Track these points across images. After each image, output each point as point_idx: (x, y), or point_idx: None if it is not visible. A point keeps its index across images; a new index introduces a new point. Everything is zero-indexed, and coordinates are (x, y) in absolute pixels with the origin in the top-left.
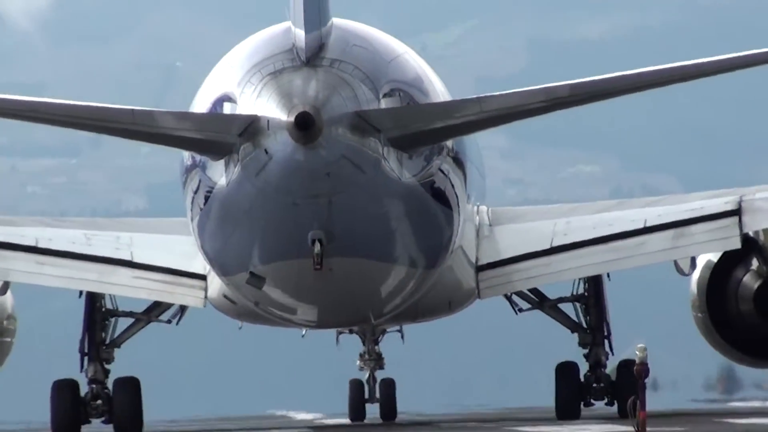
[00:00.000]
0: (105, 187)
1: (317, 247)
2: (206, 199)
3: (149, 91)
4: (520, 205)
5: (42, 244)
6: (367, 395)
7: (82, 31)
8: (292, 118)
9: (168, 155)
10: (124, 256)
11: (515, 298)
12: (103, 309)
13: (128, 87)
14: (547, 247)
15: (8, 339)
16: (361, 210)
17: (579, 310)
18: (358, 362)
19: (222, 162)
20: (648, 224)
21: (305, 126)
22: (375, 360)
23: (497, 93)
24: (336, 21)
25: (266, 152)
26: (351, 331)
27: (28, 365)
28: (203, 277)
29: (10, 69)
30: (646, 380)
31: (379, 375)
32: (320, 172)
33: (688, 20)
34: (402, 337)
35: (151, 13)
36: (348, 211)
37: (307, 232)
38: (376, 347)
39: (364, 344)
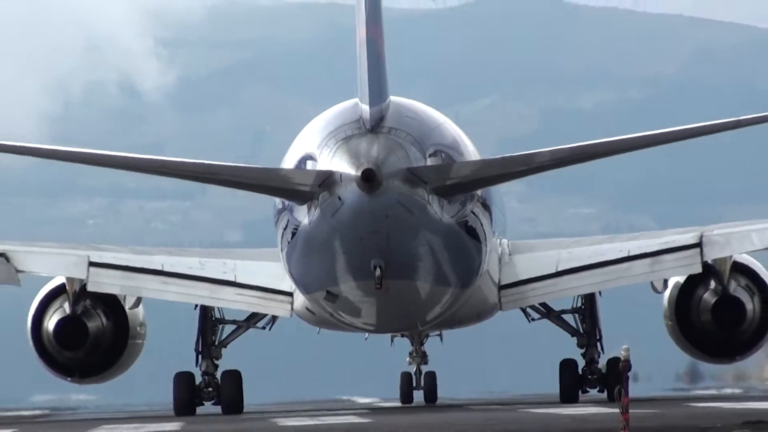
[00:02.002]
0: (210, 223)
1: (378, 272)
2: (293, 234)
3: (244, 149)
4: (533, 239)
5: (166, 269)
6: (414, 384)
7: (195, 102)
8: (359, 173)
9: (260, 199)
10: (229, 277)
11: (528, 310)
12: (213, 318)
13: (228, 146)
14: (554, 271)
15: (140, 341)
16: (411, 243)
17: (577, 319)
18: (407, 359)
19: (305, 206)
20: (630, 254)
21: (369, 179)
22: (421, 357)
23: (516, 153)
24: (393, 98)
25: (339, 199)
26: (402, 335)
27: (155, 361)
28: (290, 294)
29: (138, 132)
30: (629, 373)
31: (424, 369)
32: (380, 215)
33: (658, 94)
34: (441, 339)
35: (247, 88)
36: (401, 244)
37: (370, 260)
38: (422, 347)
39: (412, 345)
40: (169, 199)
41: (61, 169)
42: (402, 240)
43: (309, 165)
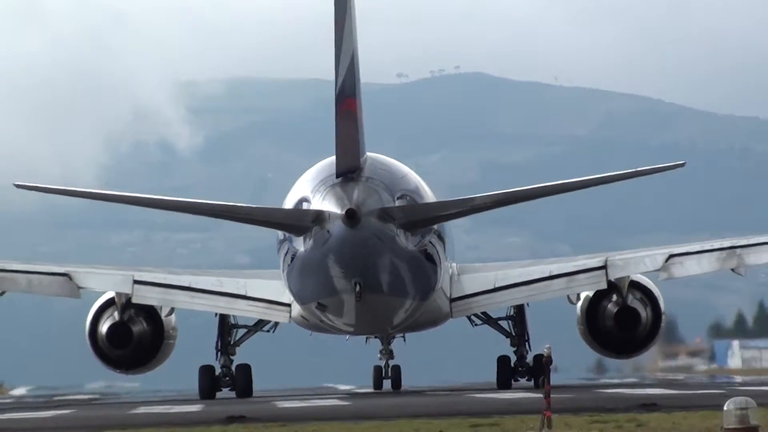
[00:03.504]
0: (224, 250)
1: (357, 288)
2: (292, 258)
3: (250, 192)
4: (475, 263)
5: (193, 285)
6: (383, 375)
7: (214, 155)
8: (344, 212)
9: (264, 231)
10: (241, 292)
11: (473, 317)
12: (229, 324)
13: (240, 189)
14: (492, 287)
15: (172, 341)
16: (383, 266)
17: (510, 324)
18: (378, 355)
19: (302, 237)
20: (551, 274)
21: (351, 216)
22: (389, 354)
23: (463, 197)
24: (369, 153)
25: (328, 232)
26: (375, 337)
27: (184, 357)
28: (288, 305)
29: (170, 177)
30: (551, 366)
31: (391, 363)
32: (360, 244)
33: (573, 150)
34: (404, 340)
35: (254, 145)
36: (376, 266)
37: (352, 279)
38: (389, 346)
39: (382, 344)
40: (191, 231)
41: (108, 208)
42: (376, 263)
43: (304, 205)
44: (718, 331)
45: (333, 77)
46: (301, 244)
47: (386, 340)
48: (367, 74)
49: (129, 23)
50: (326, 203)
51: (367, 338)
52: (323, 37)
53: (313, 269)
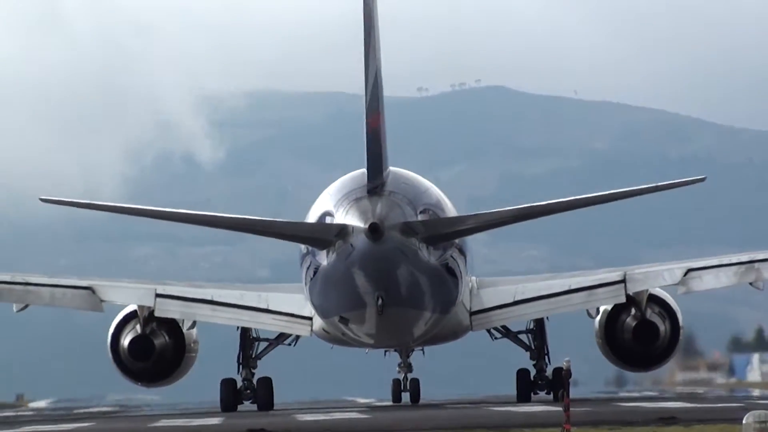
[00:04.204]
0: (245, 264)
1: (380, 301)
2: (314, 272)
3: (271, 205)
4: (495, 276)
5: (215, 299)
6: (402, 388)
7: (234, 166)
8: (367, 226)
9: (284, 244)
10: (263, 306)
11: (492, 331)
12: (251, 337)
13: (260, 202)
14: (512, 301)
15: (194, 354)
16: (405, 280)
17: (530, 338)
18: (397, 368)
19: (325, 251)
20: (571, 288)
21: (375, 231)
22: (407, 367)
23: (484, 211)
24: (391, 168)
25: (351, 246)
26: (394, 350)
27: (205, 370)
28: (310, 318)
29: (192, 190)
30: (570, 379)
31: (410, 376)
32: (383, 258)
33: (593, 163)
34: (423, 352)
35: (274, 158)
36: (398, 280)
37: (374, 292)
38: (408, 359)
39: (400, 357)
40: (213, 244)
41: (130, 221)
42: (399, 277)
43: (328, 220)
44: (737, 345)
45: (353, 90)
46: (324, 258)
47: (405, 354)
48: (387, 88)
49: (152, 36)
50: (350, 217)
51: (386, 351)
52: (344, 50)
53: (336, 282)
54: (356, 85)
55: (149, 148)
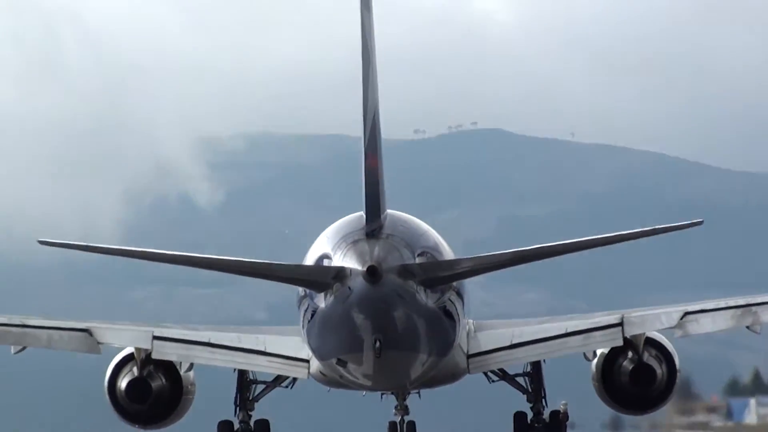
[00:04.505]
0: (240, 305)
1: (378, 344)
2: (312, 314)
3: (269, 250)
4: (492, 319)
5: (213, 341)
6: (399, 430)
7: (233, 208)
8: (365, 269)
9: (281, 287)
10: (260, 348)
11: (489, 373)
12: (248, 379)
13: (258, 245)
14: (509, 344)
15: (191, 397)
16: (403, 322)
17: (527, 381)
18: (393, 411)
19: (323, 294)
20: (568, 331)
21: (373, 273)
22: (404, 409)
23: (479, 255)
24: (389, 210)
25: (350, 288)
26: (390, 393)
27: (202, 412)
28: (307, 361)
29: (191, 233)
30: (567, 422)
31: (406, 419)
32: (381, 301)
33: (589, 206)
34: (419, 395)
35: (272, 198)
36: (396, 323)
37: (372, 335)
38: (404, 402)
39: (397, 400)
40: (209, 287)
41: (126, 263)
42: (397, 320)
43: (326, 262)
44: (734, 388)
45: (351, 132)
46: (322, 301)
47: (402, 396)
48: (384, 130)
49: (150, 79)
50: (348, 260)
51: (382, 394)
52: (343, 92)
53: (333, 325)
54: (355, 127)
55: (147, 191)
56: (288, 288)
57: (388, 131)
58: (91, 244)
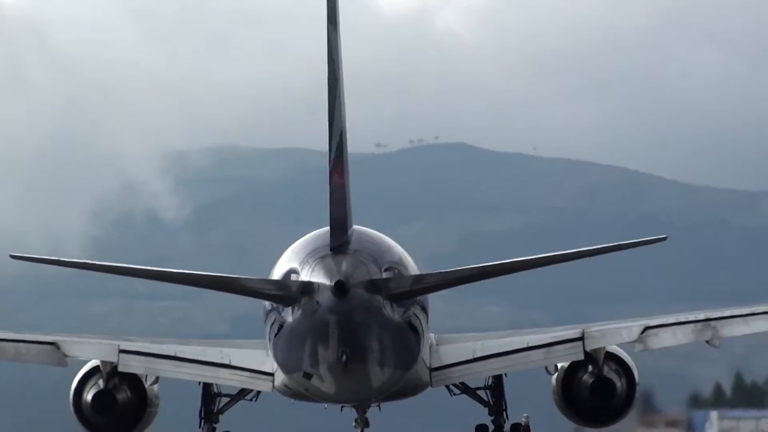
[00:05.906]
0: (204, 319)
1: (344, 357)
2: (279, 328)
3: (234, 261)
4: (454, 332)
5: (178, 354)
6: None
7: (198, 222)
8: (332, 283)
9: (243, 300)
10: (225, 361)
11: (451, 386)
12: (213, 392)
13: (223, 259)
14: (471, 357)
15: (155, 409)
16: (370, 337)
17: (488, 394)
18: (353, 423)
19: (290, 308)
20: (529, 345)
21: (340, 288)
22: (364, 422)
23: (444, 270)
24: (355, 226)
25: (317, 303)
26: (351, 405)
27: (167, 426)
28: (271, 374)
29: (157, 247)
30: None
31: (367, 431)
32: (348, 315)
33: (552, 221)
34: (379, 408)
35: (237, 212)
36: (363, 337)
37: (339, 349)
38: (365, 414)
39: (357, 412)
40: (172, 299)
41: (90, 277)
42: (363, 334)
43: (293, 277)
44: (696, 402)
45: (315, 147)
46: (289, 315)
47: (362, 409)
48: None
49: (115, 96)
50: (315, 275)
51: (342, 406)
52: (306, 106)
53: (300, 339)
54: (318, 141)
55: (113, 206)
56: (251, 302)
57: (349, 145)
58: (63, 259)
